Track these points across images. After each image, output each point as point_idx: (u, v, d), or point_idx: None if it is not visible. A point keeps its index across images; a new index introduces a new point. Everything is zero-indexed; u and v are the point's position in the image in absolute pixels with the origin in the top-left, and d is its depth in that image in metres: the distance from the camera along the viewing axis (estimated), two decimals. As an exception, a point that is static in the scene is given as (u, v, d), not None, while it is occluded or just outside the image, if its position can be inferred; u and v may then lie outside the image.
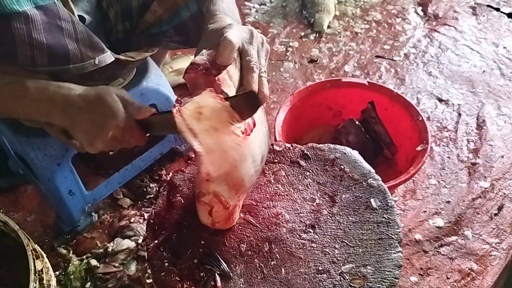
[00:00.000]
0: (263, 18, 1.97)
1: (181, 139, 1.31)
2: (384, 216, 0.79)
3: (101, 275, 1.09)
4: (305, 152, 0.92)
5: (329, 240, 0.77)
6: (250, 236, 0.79)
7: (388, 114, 1.28)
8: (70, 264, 1.10)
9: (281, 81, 1.67)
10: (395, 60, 1.74)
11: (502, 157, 1.37)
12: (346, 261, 0.74)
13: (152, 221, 0.82)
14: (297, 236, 0.78)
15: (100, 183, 1.18)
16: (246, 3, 2.05)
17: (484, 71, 1.67)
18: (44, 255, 0.92)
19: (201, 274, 0.74)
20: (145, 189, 1.26)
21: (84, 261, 1.11)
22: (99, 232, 1.19)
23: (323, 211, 0.82)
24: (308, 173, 0.88)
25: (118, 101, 0.77)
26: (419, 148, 1.15)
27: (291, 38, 1.87)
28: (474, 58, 1.74)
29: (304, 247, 0.77)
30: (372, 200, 0.82)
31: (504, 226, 1.20)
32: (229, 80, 0.66)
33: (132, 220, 1.20)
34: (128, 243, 1.14)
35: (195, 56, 0.70)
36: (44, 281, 0.86)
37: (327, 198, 0.84)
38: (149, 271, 1.06)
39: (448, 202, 1.26)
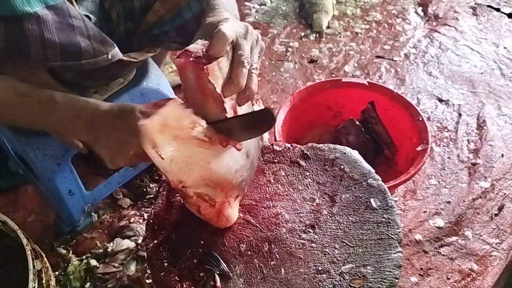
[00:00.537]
0: (263, 18, 1.97)
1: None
2: (384, 216, 0.79)
3: (100, 275, 1.09)
4: (305, 152, 0.91)
5: (329, 240, 0.77)
6: (250, 236, 0.79)
7: (388, 114, 1.28)
8: (70, 264, 1.10)
9: (281, 81, 1.67)
10: (395, 60, 1.74)
11: (502, 155, 1.36)
12: (346, 261, 0.74)
13: (151, 221, 0.82)
14: (297, 236, 0.78)
15: (100, 183, 1.18)
16: (246, 3, 2.05)
17: (482, 73, 1.66)
18: (44, 255, 0.92)
19: (201, 274, 0.74)
20: (144, 189, 1.26)
21: (84, 261, 1.11)
22: (99, 232, 1.19)
23: (323, 211, 0.81)
24: (308, 173, 0.88)
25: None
26: (419, 148, 1.15)
27: (291, 39, 1.87)
28: (474, 58, 1.74)
29: (304, 247, 0.76)
30: (372, 200, 0.82)
31: (504, 226, 1.19)
32: (218, 72, 0.67)
33: (131, 220, 1.20)
34: (127, 243, 1.14)
35: None
36: (44, 281, 0.85)
37: (327, 198, 0.84)
38: (148, 271, 1.06)
39: (449, 202, 1.26)
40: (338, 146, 0.92)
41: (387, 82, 1.64)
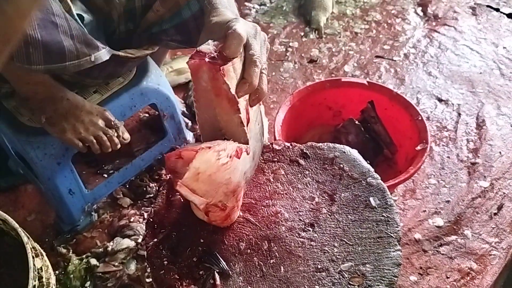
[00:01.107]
0: (263, 18, 1.98)
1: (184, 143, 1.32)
2: (383, 214, 0.79)
3: (100, 274, 1.09)
4: (305, 151, 0.92)
5: (328, 239, 0.77)
6: (249, 234, 0.79)
7: (388, 114, 1.28)
8: (70, 263, 1.11)
9: (281, 81, 1.67)
10: (395, 60, 1.74)
11: (500, 153, 1.37)
12: (345, 260, 0.74)
13: (151, 219, 0.82)
14: (296, 234, 0.78)
15: (100, 183, 1.19)
16: (246, 3, 2.05)
17: (481, 73, 1.66)
18: (44, 253, 0.92)
19: (200, 272, 0.74)
20: (145, 189, 1.26)
21: (84, 260, 1.12)
22: (99, 231, 1.19)
23: (322, 210, 0.82)
24: (307, 172, 0.88)
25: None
26: (418, 148, 1.15)
27: (291, 38, 1.87)
28: (473, 58, 1.74)
29: (303, 246, 0.77)
30: (371, 198, 0.82)
31: (503, 225, 1.20)
32: (233, 72, 0.66)
33: (132, 220, 1.20)
34: (127, 243, 1.14)
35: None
36: (44, 279, 0.86)
37: (326, 197, 0.84)
38: (148, 270, 1.06)
39: (448, 201, 1.26)
40: (337, 145, 0.92)
41: (387, 82, 1.64)
